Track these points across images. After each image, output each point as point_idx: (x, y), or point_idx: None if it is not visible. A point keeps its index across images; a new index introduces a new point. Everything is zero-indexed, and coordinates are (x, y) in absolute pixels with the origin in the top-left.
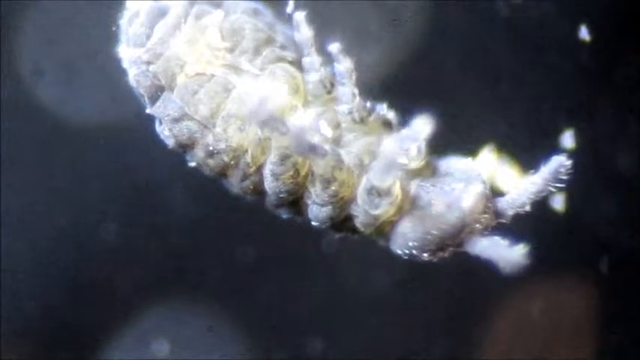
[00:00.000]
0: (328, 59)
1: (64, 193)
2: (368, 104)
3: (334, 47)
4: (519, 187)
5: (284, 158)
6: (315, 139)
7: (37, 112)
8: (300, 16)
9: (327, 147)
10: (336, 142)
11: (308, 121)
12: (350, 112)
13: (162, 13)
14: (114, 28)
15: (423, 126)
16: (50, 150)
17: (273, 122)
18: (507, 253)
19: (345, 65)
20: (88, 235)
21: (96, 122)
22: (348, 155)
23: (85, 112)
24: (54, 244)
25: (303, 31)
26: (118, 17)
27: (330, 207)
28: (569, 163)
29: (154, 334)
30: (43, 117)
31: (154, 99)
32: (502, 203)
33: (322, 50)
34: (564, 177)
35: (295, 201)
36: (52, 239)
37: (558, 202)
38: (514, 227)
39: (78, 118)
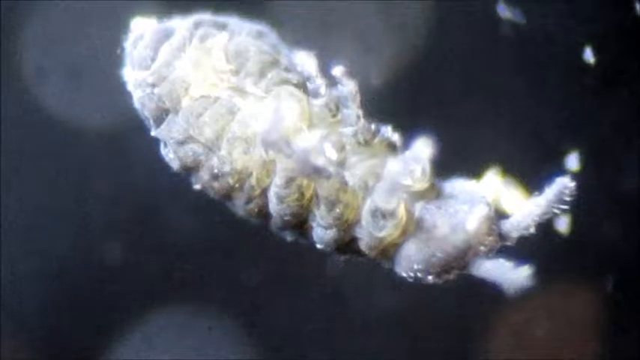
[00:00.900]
0: (333, 81)
1: (67, 212)
2: (372, 126)
3: (338, 71)
4: (524, 209)
5: (289, 181)
6: (320, 161)
7: (38, 120)
8: (302, 54)
9: (331, 169)
10: (341, 164)
11: (313, 142)
12: (355, 135)
13: (167, 36)
14: (119, 49)
15: (424, 147)
16: (53, 168)
17: (280, 143)
18: (512, 275)
19: (349, 88)
20: (91, 256)
21: (99, 134)
22: (352, 177)
23: (88, 121)
24: (56, 264)
25: (307, 64)
26: (121, 24)
27: (334, 229)
28: (573, 184)
29: (157, 354)
30: (44, 128)
31: (158, 121)
32: (506, 225)
33: (326, 71)
34: (569, 199)
35: (300, 223)
36: (54, 259)
37: (563, 224)
38: (518, 249)
39: (81, 127)
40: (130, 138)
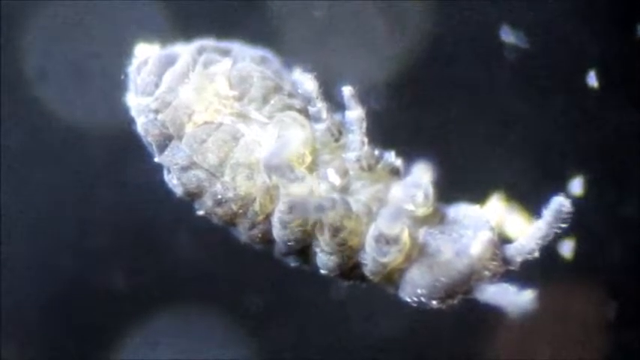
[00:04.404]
0: (336, 107)
1: (68, 217)
2: (376, 152)
3: (347, 91)
4: (527, 233)
5: (292, 207)
6: (322, 189)
7: (39, 123)
8: (301, 74)
9: (334, 195)
10: (344, 190)
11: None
12: (358, 160)
13: (170, 62)
14: (122, 76)
15: (425, 172)
16: (54, 171)
17: (282, 168)
18: (515, 299)
19: (356, 113)
20: (93, 282)
21: (101, 136)
22: (356, 203)
23: (90, 123)
24: (57, 267)
25: (307, 85)
26: (124, 25)
27: (338, 255)
28: (568, 203)
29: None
30: (45, 131)
31: (162, 148)
32: (510, 250)
33: (329, 96)
34: (567, 218)
35: (304, 249)
36: (54, 262)
37: (566, 249)
38: (522, 273)
39: (82, 130)
40: (132, 142)
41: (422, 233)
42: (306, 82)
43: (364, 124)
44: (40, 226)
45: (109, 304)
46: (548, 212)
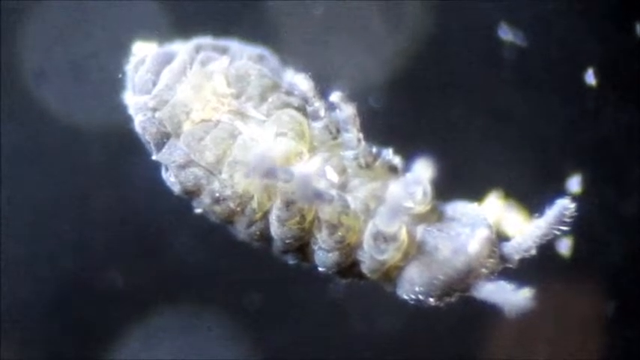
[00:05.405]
0: (332, 104)
1: (68, 217)
2: (374, 149)
3: (335, 96)
4: (525, 231)
5: (289, 204)
6: (321, 185)
7: (39, 123)
8: (295, 75)
9: (333, 192)
10: (342, 187)
11: (312, 168)
12: (356, 158)
13: (168, 60)
14: (120, 74)
15: (424, 169)
16: (53, 171)
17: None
18: (513, 298)
19: (347, 112)
20: (92, 281)
21: (100, 137)
22: (354, 201)
23: (89, 123)
24: (57, 268)
25: (302, 85)
26: (123, 25)
27: (336, 253)
28: (573, 206)
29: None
30: (45, 131)
31: (160, 146)
32: (508, 248)
33: (327, 95)
34: (569, 221)
35: (302, 247)
36: (54, 264)
37: (564, 247)
38: (519, 271)
39: (82, 130)
40: (130, 140)
41: (420, 231)
42: (301, 83)
43: (357, 122)
44: (39, 226)
45: (108, 303)
46: (551, 213)
